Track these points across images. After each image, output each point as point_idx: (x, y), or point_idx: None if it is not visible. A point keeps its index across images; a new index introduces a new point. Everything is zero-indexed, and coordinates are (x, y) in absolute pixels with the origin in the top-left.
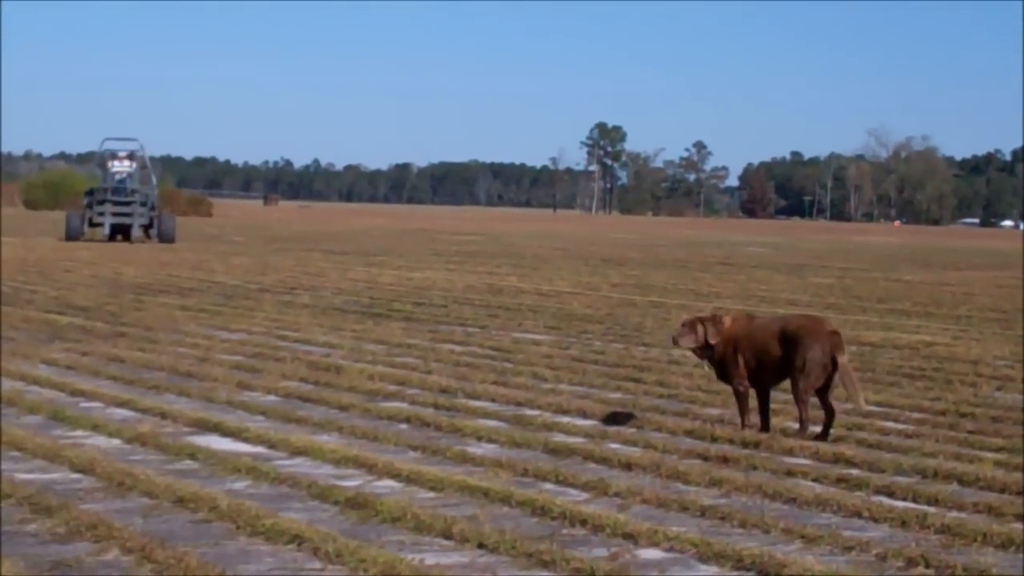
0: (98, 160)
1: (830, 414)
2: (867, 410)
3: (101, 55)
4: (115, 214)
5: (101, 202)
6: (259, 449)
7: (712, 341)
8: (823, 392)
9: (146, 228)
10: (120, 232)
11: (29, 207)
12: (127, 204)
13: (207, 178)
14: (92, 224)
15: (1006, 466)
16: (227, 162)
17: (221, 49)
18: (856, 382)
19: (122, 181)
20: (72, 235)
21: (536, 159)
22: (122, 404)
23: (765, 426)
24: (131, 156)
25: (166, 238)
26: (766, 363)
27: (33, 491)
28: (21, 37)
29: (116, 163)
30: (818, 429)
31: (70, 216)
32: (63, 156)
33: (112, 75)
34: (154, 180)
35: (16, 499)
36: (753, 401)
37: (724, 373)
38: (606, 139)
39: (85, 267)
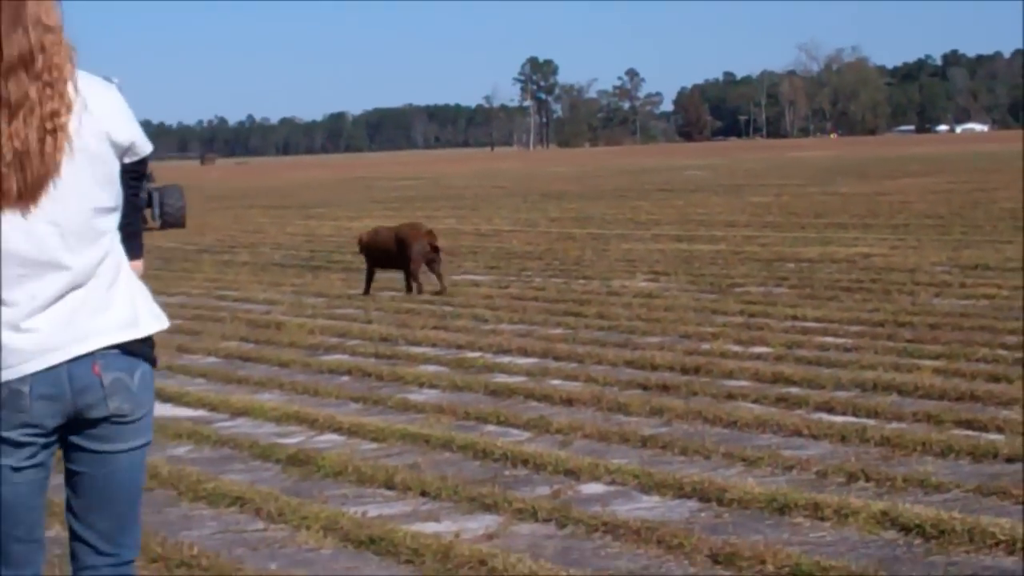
0: None
1: (441, 281)
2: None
3: None
4: None
5: None
6: (200, 412)
7: (364, 241)
8: (433, 270)
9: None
10: None
11: None
12: None
13: None
14: None
15: (944, 372)
16: (161, 124)
17: (149, 8)
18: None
19: None
20: None
21: (470, 99)
22: None
23: (367, 292)
24: None
25: (172, 220)
26: (390, 255)
27: None
28: None
29: None
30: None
31: None
32: None
33: None
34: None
35: None
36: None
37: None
38: (538, 73)
39: None
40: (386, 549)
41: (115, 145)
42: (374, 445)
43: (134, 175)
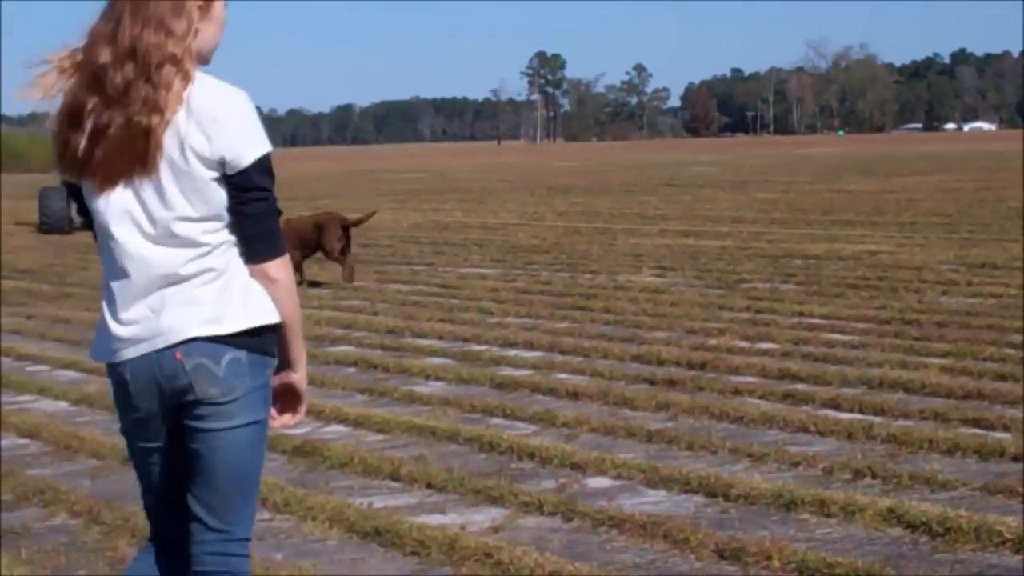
0: None
1: (341, 265)
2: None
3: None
4: None
5: None
6: None
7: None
8: (341, 255)
9: None
10: None
11: None
12: None
13: None
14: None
15: (951, 371)
16: None
17: None
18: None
19: None
20: (52, 223)
21: (478, 92)
22: (68, 366)
23: (302, 282)
24: None
25: None
26: (307, 243)
27: None
28: None
29: None
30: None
31: (47, 194)
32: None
33: (43, 22)
34: None
35: None
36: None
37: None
38: (546, 68)
39: (28, 229)
40: (391, 541)
41: (201, 158)
42: (380, 437)
43: (236, 187)
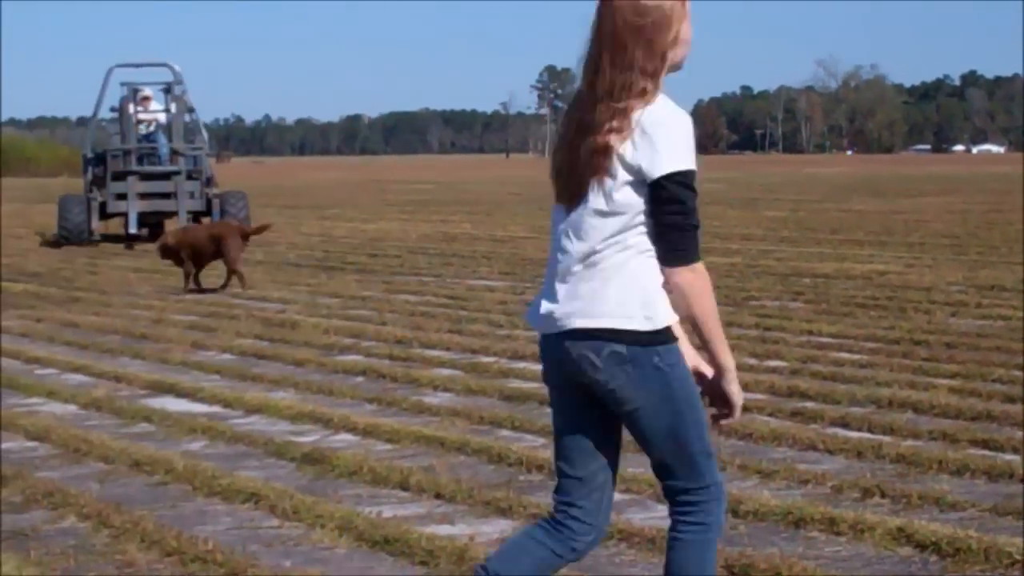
0: (117, 101)
1: (238, 276)
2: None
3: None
4: (147, 195)
5: (121, 175)
6: (215, 409)
7: (171, 243)
8: (235, 264)
9: (198, 215)
10: (151, 224)
11: None
12: (166, 177)
13: None
14: (106, 214)
15: (960, 392)
16: None
17: (168, 6)
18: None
19: (152, 136)
20: (73, 232)
21: (487, 104)
22: (77, 369)
23: (200, 289)
24: (168, 90)
25: None
26: (203, 252)
27: None
28: None
29: (143, 107)
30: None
31: (67, 201)
32: (12, 123)
33: (56, 33)
34: (205, 134)
35: None
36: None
37: (179, 262)
38: (556, 82)
39: (36, 233)
40: (400, 550)
41: (623, 162)
42: (388, 446)
43: (655, 197)
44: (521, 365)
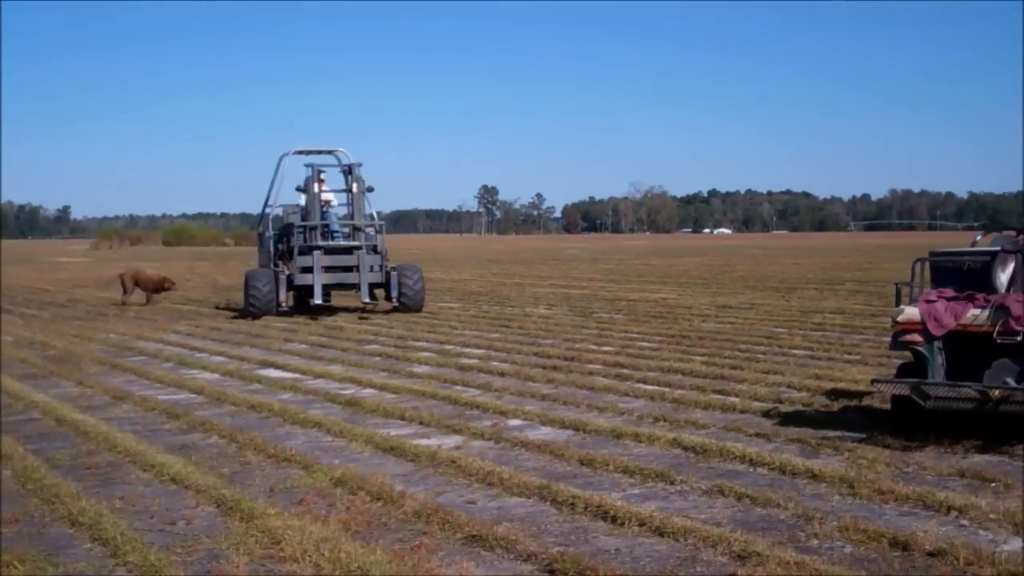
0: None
1: (150, 300)
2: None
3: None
4: (332, 268)
5: (307, 250)
6: (296, 375)
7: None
8: (157, 292)
9: (373, 288)
10: (325, 298)
11: (166, 245)
12: (348, 252)
13: None
14: (293, 286)
15: (707, 363)
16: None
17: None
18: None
19: (325, 215)
20: (262, 303)
21: (450, 205)
22: (218, 354)
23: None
24: (349, 172)
25: (412, 303)
26: (145, 285)
27: (168, 405)
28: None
29: (322, 187)
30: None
31: (254, 276)
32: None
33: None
34: (374, 212)
35: (158, 411)
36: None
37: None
38: (487, 193)
39: (197, 277)
40: (400, 453)
41: None
42: (393, 396)
43: None
44: (468, 350)
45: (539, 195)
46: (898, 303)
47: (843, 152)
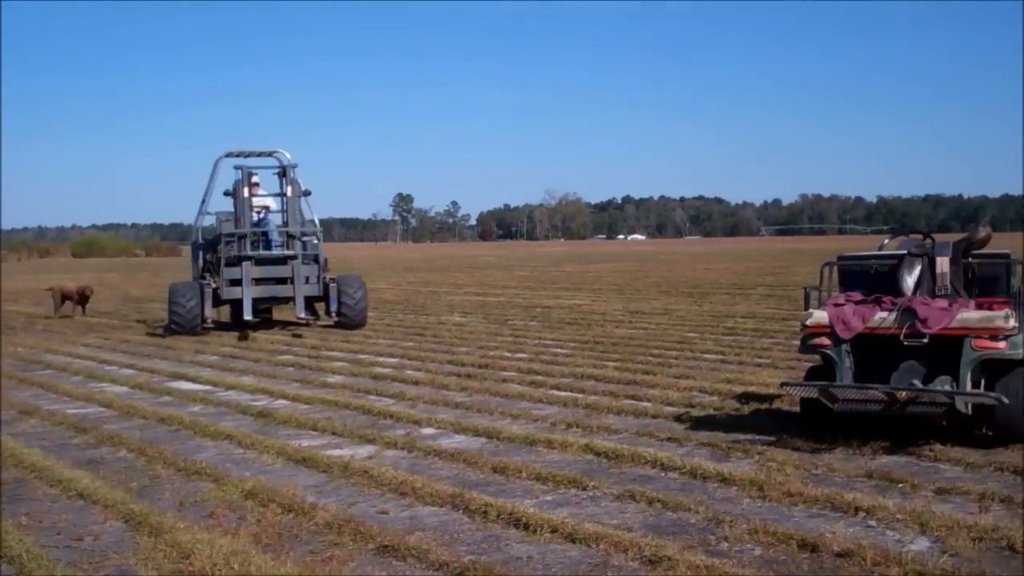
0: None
1: (84, 311)
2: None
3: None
4: (264, 280)
5: (235, 261)
6: (207, 387)
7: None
8: (82, 304)
9: (313, 301)
10: (264, 312)
11: (75, 257)
12: (282, 261)
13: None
14: (220, 301)
15: (620, 369)
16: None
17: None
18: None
19: (262, 222)
20: (186, 320)
21: (365, 213)
22: (128, 366)
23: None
24: (283, 174)
25: (354, 318)
26: (71, 296)
27: (76, 420)
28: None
29: (257, 192)
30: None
31: (178, 289)
32: (93, 226)
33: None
34: (315, 218)
35: (66, 425)
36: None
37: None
38: (402, 201)
39: (107, 289)
40: (312, 464)
41: None
42: (307, 406)
43: None
44: (382, 359)
45: (454, 203)
46: (807, 307)
47: (754, 157)
